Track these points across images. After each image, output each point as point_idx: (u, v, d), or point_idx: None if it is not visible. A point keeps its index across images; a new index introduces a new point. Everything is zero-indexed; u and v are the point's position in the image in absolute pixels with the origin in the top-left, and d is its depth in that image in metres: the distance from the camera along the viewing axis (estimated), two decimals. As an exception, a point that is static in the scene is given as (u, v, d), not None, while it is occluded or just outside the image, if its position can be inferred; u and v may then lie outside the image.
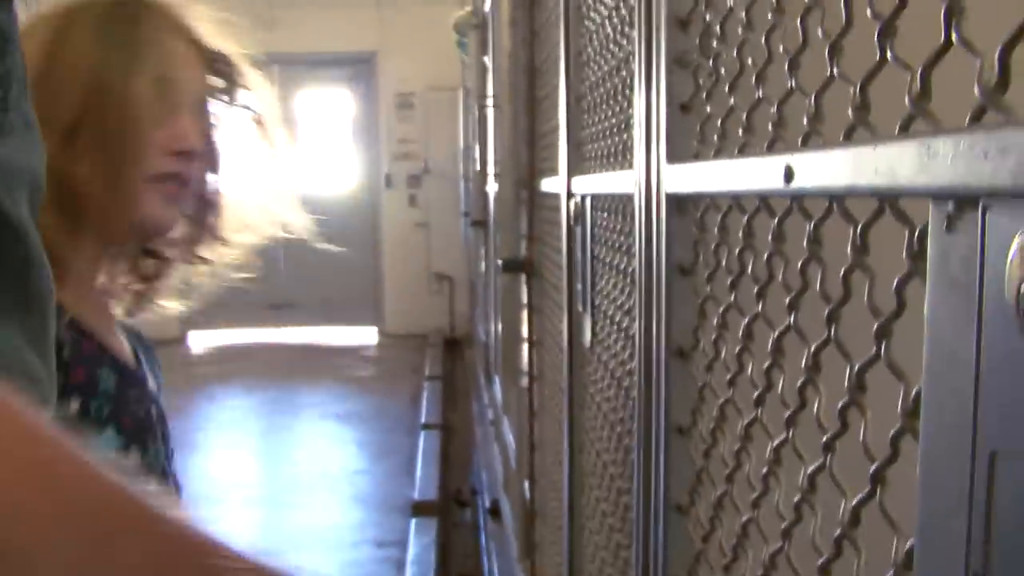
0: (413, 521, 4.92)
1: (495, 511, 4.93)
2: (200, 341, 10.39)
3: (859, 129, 0.70)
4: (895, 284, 0.64)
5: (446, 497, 5.59)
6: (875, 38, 0.66)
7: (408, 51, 9.92)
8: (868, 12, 0.68)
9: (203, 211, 1.23)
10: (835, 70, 0.74)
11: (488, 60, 4.75)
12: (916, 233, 0.61)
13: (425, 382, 8.03)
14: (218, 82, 1.22)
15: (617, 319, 1.70)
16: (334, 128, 10.73)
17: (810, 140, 0.78)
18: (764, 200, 0.88)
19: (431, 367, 8.65)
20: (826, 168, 0.71)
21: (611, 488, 1.80)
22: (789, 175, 0.77)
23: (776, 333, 0.87)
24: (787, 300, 0.83)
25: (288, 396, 8.14)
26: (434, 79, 9.83)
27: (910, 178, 0.58)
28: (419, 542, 4.65)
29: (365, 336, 10.61)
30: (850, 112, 0.70)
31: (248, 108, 1.28)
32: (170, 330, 9.53)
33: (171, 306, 1.30)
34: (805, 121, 0.79)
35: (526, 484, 3.19)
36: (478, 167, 5.88)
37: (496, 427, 5.71)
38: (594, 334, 1.98)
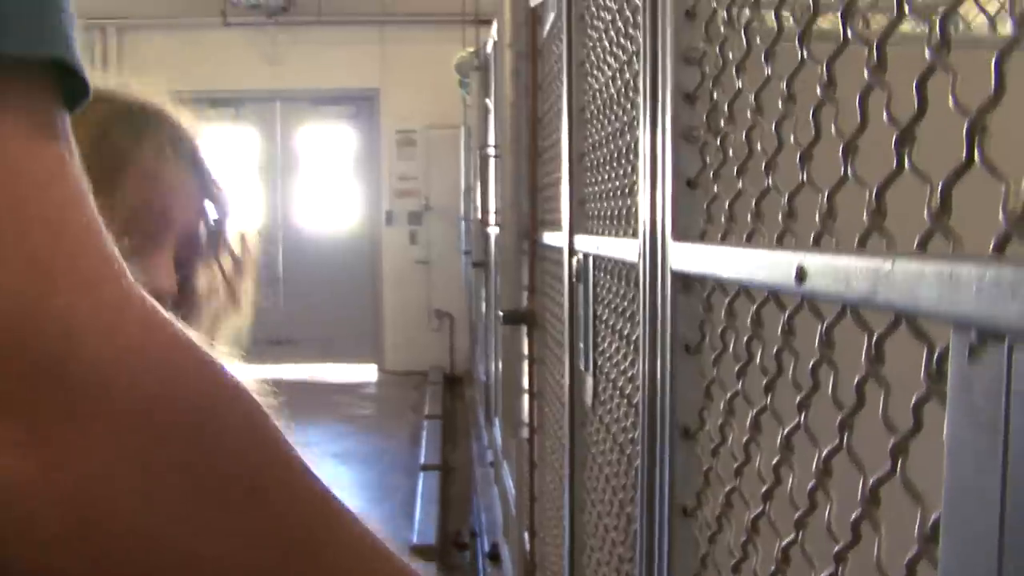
0: (411, 566, 4.85)
1: (495, 556, 4.89)
2: (199, 377, 10.32)
3: (875, 235, 0.68)
4: (912, 403, 0.61)
5: (445, 540, 5.54)
6: (892, 145, 0.64)
7: (410, 89, 9.95)
8: (884, 116, 0.66)
9: None
10: (849, 170, 0.72)
11: (490, 103, 4.75)
12: (936, 355, 0.59)
13: (424, 421, 7.99)
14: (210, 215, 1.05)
15: (620, 384, 1.68)
16: (336, 164, 10.75)
17: (822, 239, 0.76)
18: (774, 293, 0.86)
19: (431, 406, 8.61)
20: (840, 274, 0.68)
21: (613, 554, 1.77)
22: (801, 276, 0.75)
23: (785, 431, 0.84)
24: (797, 399, 0.81)
25: (286, 434, 8.08)
26: (436, 117, 9.85)
27: (930, 301, 0.56)
28: (417, 589, 4.58)
29: (365, 373, 10.56)
30: (865, 216, 0.68)
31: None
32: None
33: None
34: (817, 218, 0.77)
35: (526, 536, 3.15)
36: (479, 211, 5.87)
37: (496, 469, 5.66)
38: (596, 395, 1.96)
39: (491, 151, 3.81)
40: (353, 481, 6.79)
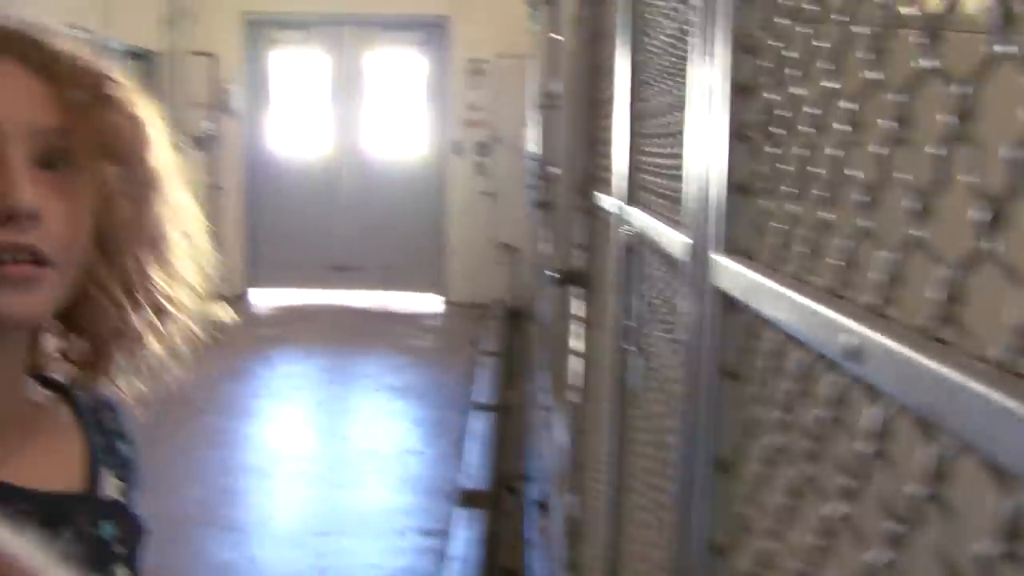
0: (460, 512, 4.82)
1: (544, 504, 4.82)
2: (261, 299, 10.39)
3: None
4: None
5: (497, 483, 5.49)
6: (977, 217, 0.51)
7: (481, 17, 9.74)
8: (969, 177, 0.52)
9: (104, 285, 0.92)
10: (920, 234, 0.58)
11: (558, 37, 4.57)
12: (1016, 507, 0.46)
13: (484, 357, 7.92)
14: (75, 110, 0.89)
15: (662, 378, 1.55)
16: (404, 92, 10.61)
17: (884, 311, 0.62)
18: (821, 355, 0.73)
19: (491, 341, 8.53)
20: (901, 369, 0.55)
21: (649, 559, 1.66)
22: (854, 354, 0.61)
23: (824, 512, 0.71)
24: (838, 482, 0.68)
25: (345, 364, 8.10)
26: (506, 46, 9.63)
27: (1012, 452, 0.43)
28: (464, 535, 4.55)
29: (428, 303, 10.53)
30: (938, 294, 0.55)
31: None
32: (231, 286, 9.55)
33: (138, 388, 1.00)
34: (877, 281, 0.63)
35: (572, 499, 3.06)
36: (547, 152, 5.70)
37: (550, 414, 5.58)
38: (641, 379, 1.83)
39: (550, 100, 3.65)
40: (409, 416, 6.77)
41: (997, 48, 0.49)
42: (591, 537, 2.71)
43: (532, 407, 6.46)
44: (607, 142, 2.38)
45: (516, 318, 9.66)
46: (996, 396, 0.45)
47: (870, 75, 0.68)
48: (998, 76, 0.52)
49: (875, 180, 0.66)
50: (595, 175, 2.62)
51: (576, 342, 2.80)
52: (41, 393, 0.98)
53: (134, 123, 0.94)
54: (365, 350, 8.57)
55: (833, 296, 0.71)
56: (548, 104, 4.06)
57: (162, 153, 0.97)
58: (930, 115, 0.58)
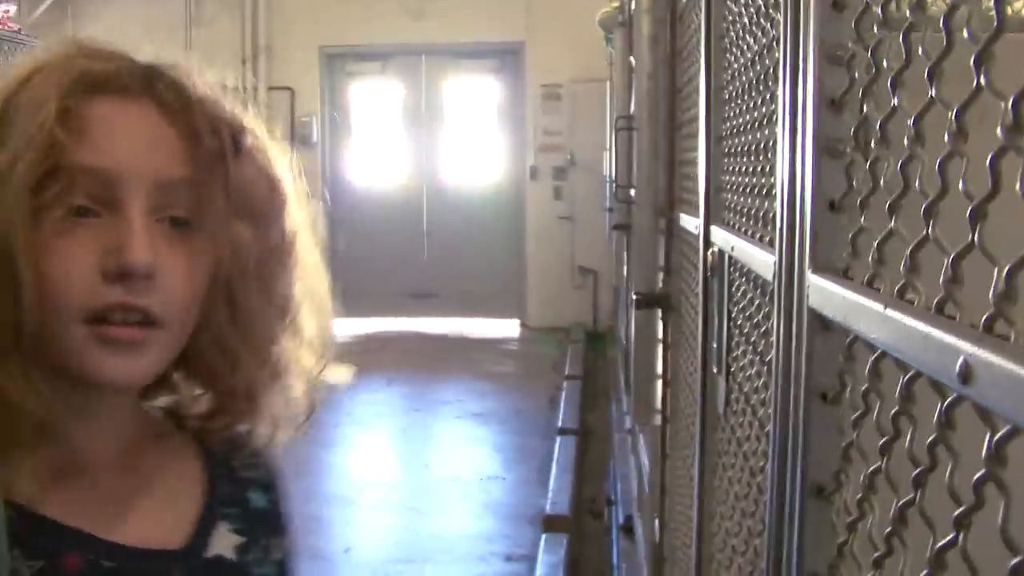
0: (544, 536, 4.79)
1: (628, 528, 4.76)
2: (342, 328, 10.47)
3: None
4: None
5: (579, 508, 5.45)
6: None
7: (555, 42, 9.77)
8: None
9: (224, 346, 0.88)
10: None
11: (634, 61, 4.55)
12: None
13: (564, 381, 7.89)
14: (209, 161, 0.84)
15: (752, 400, 1.51)
16: (480, 118, 10.68)
17: (995, 325, 0.59)
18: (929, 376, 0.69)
19: (571, 365, 8.50)
20: (1019, 388, 0.52)
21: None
22: (966, 376, 0.59)
23: (934, 547, 0.68)
24: (954, 515, 0.65)
25: (426, 391, 8.13)
26: (582, 71, 9.65)
27: None
28: (548, 560, 4.52)
29: (507, 328, 10.53)
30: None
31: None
32: (315, 317, 9.65)
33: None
34: (990, 296, 0.60)
35: (656, 524, 3.01)
36: (627, 175, 5.68)
37: (633, 438, 5.53)
38: (728, 403, 1.80)
39: (627, 123, 3.63)
40: (491, 443, 6.77)
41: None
42: (677, 563, 2.66)
43: (615, 431, 6.41)
44: (689, 163, 2.35)
45: (597, 340, 9.62)
46: None
47: (970, 82, 0.65)
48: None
49: (977, 192, 0.63)
50: (677, 196, 2.59)
51: (659, 365, 2.76)
52: (169, 436, 0.94)
53: (271, 180, 0.90)
54: (445, 376, 8.60)
55: (937, 314, 0.68)
56: (625, 127, 4.05)
57: (297, 212, 0.93)
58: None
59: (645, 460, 4.15)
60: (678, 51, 2.57)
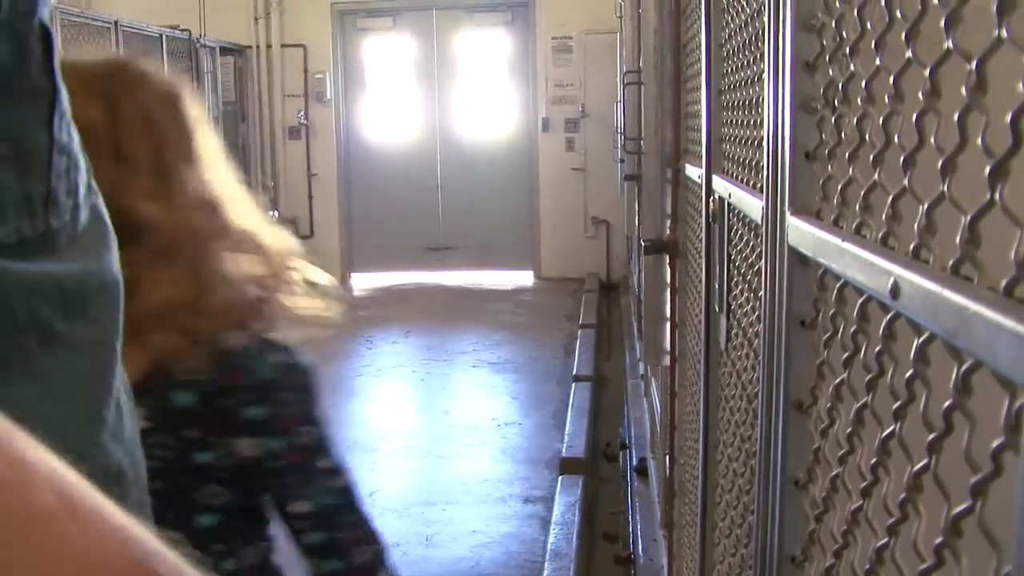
0: (560, 479, 4.97)
1: (642, 470, 4.94)
2: (360, 282, 10.66)
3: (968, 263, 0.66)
4: (991, 450, 0.60)
5: (594, 452, 5.63)
6: (985, 175, 0.62)
7: (566, -6, 9.83)
8: (979, 141, 0.63)
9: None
10: (947, 188, 0.69)
11: (642, 14, 4.64)
12: (1017, 406, 0.57)
13: (579, 330, 8.05)
14: None
15: (748, 334, 1.66)
16: (492, 72, 10.75)
17: (921, 251, 0.74)
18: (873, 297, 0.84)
19: (585, 314, 8.66)
20: (930, 302, 0.67)
21: (740, 500, 1.77)
22: (895, 292, 0.73)
23: (882, 435, 0.83)
24: (894, 406, 0.80)
25: (443, 342, 8.29)
26: (592, 23, 9.71)
27: (1006, 359, 0.55)
28: (564, 501, 4.70)
29: (521, 279, 10.69)
30: (957, 240, 0.66)
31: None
32: (332, 272, 9.81)
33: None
34: (916, 228, 0.74)
35: (667, 460, 3.18)
36: (636, 126, 5.78)
37: (646, 384, 5.69)
38: (729, 339, 1.94)
39: (635, 76, 3.74)
40: (508, 390, 6.94)
41: None
42: (686, 495, 2.82)
43: (629, 377, 6.58)
44: (694, 115, 2.48)
45: (611, 291, 9.77)
46: (999, 318, 0.56)
47: (909, 53, 0.78)
48: None
49: (908, 144, 0.77)
50: (683, 147, 2.72)
51: (668, 309, 2.91)
52: None
53: None
54: (461, 327, 8.76)
55: (881, 245, 0.83)
56: (634, 81, 4.16)
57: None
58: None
59: (657, 402, 4.31)
60: (683, 7, 2.69)
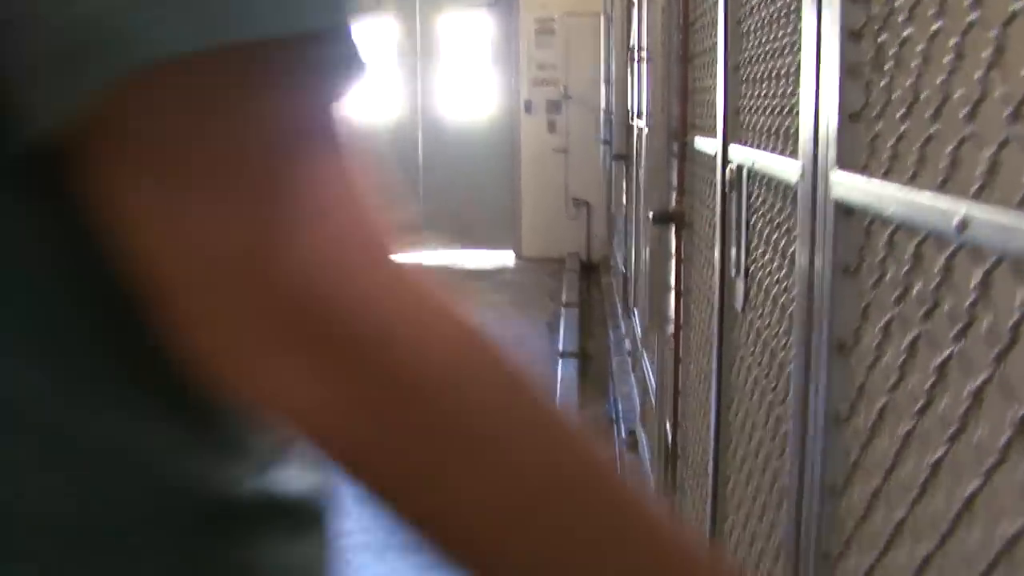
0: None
1: (632, 443, 5.06)
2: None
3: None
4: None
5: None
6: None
7: (549, -24, 9.91)
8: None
9: None
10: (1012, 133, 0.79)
11: (634, -5, 4.75)
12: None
13: (562, 309, 8.16)
14: None
15: (773, 292, 1.77)
16: (474, 53, 10.81)
17: (983, 193, 0.84)
18: (934, 234, 0.94)
19: (568, 293, 8.78)
20: (1000, 230, 0.77)
21: (760, 452, 1.88)
22: (963, 226, 0.83)
23: (940, 359, 0.93)
24: (952, 332, 0.90)
25: (429, 320, 8.33)
26: (574, 5, 9.80)
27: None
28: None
29: (502, 258, 10.78)
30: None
31: None
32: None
33: None
34: (978, 172, 0.85)
35: (668, 426, 3.29)
36: (627, 106, 5.89)
37: (634, 359, 5.81)
38: (747, 299, 2.05)
39: (641, 54, 3.85)
40: (494, 366, 7.01)
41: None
42: (690, 456, 2.94)
43: (614, 355, 6.70)
44: (703, 90, 2.58)
45: (591, 271, 9.88)
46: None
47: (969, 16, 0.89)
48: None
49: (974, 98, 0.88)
50: (691, 122, 2.83)
51: (673, 278, 3.02)
52: None
53: None
54: (445, 306, 8.80)
55: (939, 191, 0.93)
56: (633, 59, 4.26)
57: None
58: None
59: (651, 375, 4.43)
60: (691, -13, 2.79)
